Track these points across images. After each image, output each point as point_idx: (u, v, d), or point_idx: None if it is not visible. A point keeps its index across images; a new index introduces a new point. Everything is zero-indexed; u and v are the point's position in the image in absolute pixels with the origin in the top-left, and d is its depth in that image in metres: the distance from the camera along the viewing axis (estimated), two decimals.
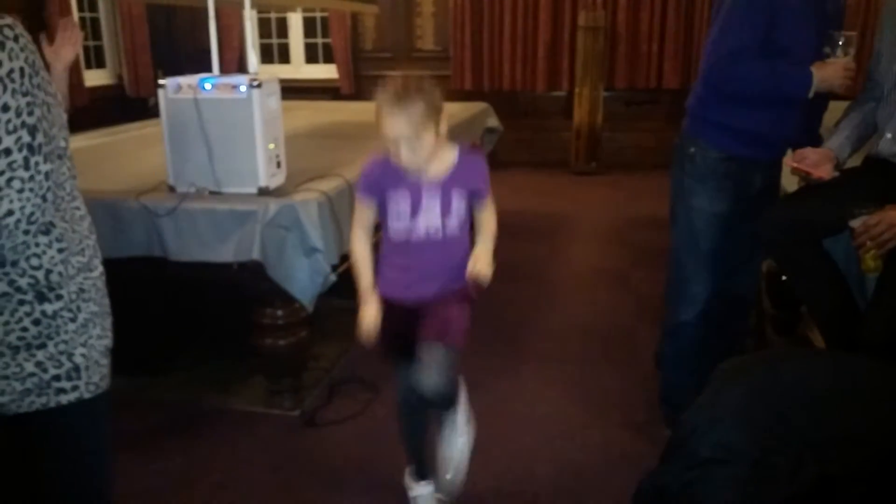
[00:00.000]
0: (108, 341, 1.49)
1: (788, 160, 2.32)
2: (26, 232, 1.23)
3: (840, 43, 2.19)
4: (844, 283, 2.22)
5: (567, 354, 3.44)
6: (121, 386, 2.98)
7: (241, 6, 2.84)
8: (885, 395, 1.33)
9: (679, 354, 2.61)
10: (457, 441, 2.18)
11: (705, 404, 1.37)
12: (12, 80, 1.20)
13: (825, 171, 2.21)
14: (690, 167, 2.43)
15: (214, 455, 2.66)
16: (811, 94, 2.21)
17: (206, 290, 3.02)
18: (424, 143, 1.90)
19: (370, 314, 2.01)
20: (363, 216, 2.09)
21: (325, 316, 3.53)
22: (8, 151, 1.18)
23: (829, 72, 2.18)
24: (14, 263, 1.29)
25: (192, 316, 3.34)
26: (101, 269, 1.49)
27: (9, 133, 1.19)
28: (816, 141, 2.40)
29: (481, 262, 1.96)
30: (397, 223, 2.03)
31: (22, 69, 1.21)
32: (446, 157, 2.03)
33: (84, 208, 1.47)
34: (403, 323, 2.09)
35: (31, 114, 1.22)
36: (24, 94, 1.21)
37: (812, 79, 2.19)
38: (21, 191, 1.20)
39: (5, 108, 1.19)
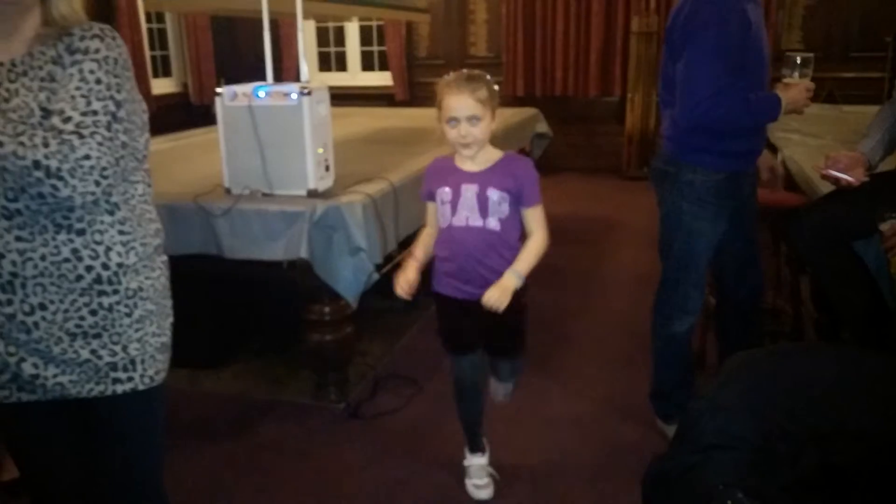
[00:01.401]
0: (165, 339, 1.58)
1: (818, 167, 2.35)
2: (97, 183, 1.32)
3: (798, 63, 2.23)
4: (875, 286, 2.24)
5: (607, 356, 3.49)
6: (180, 378, 3.19)
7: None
8: (889, 388, 1.37)
9: (672, 358, 2.71)
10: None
11: (711, 393, 1.43)
12: (107, 63, 1.37)
13: (856, 175, 2.23)
14: (690, 192, 2.45)
15: (264, 444, 2.80)
16: (781, 117, 2.30)
17: (258, 287, 3.17)
18: (481, 125, 2.03)
19: (407, 272, 2.20)
20: (428, 215, 2.25)
21: (371, 315, 3.66)
22: (95, 112, 1.34)
23: (794, 94, 2.27)
24: (81, 233, 1.40)
25: (246, 312, 3.50)
26: (162, 270, 1.58)
27: (98, 100, 1.35)
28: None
29: (495, 290, 2.04)
30: (441, 216, 2.16)
31: (116, 59, 1.39)
32: (491, 154, 2.13)
33: (154, 214, 1.58)
34: (458, 320, 2.24)
35: (118, 91, 1.38)
36: (116, 77, 1.38)
37: (781, 103, 2.27)
38: (101, 144, 1.33)
39: (98, 81, 1.36)
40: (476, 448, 2.49)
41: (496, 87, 2.08)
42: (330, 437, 2.84)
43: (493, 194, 2.08)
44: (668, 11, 7.11)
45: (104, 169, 1.33)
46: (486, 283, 2.11)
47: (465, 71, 2.07)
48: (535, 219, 2.14)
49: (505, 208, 2.10)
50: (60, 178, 1.28)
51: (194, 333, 2.68)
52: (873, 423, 1.33)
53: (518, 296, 2.14)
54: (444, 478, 2.55)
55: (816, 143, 2.64)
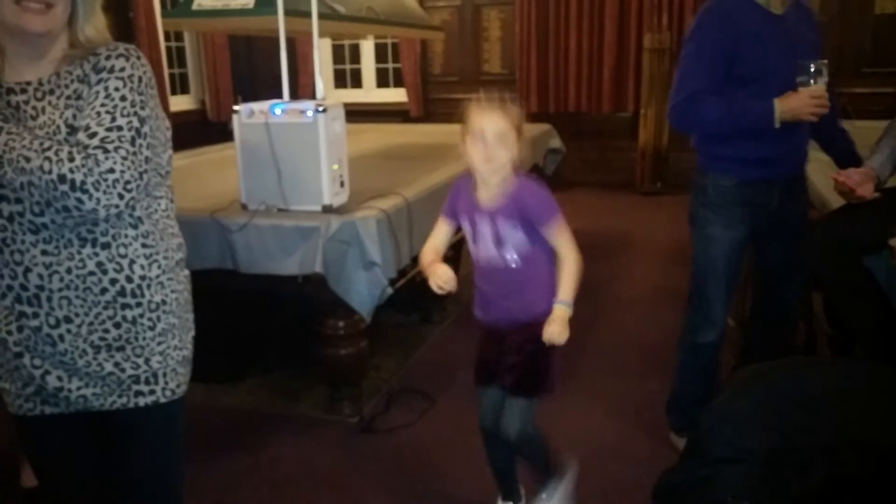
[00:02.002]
0: (186, 352, 1.60)
1: (834, 173, 2.36)
2: (121, 196, 1.35)
3: (812, 70, 2.23)
4: (885, 300, 2.24)
5: (620, 370, 3.50)
6: (195, 392, 3.20)
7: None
8: None
9: (696, 371, 2.71)
10: None
11: (720, 407, 1.44)
12: (131, 81, 1.41)
13: (867, 190, 2.24)
14: (703, 197, 2.54)
15: (278, 456, 2.83)
16: (777, 124, 2.29)
17: (273, 301, 3.20)
18: (506, 149, 1.96)
19: (440, 268, 2.03)
20: (436, 232, 2.17)
21: (385, 329, 3.70)
22: (120, 128, 1.37)
23: (793, 102, 2.26)
24: (106, 246, 1.43)
25: (261, 326, 3.53)
26: (185, 285, 1.60)
27: (123, 116, 1.38)
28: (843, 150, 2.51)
29: (554, 325, 1.99)
30: (469, 247, 2.14)
31: (140, 77, 1.43)
32: (504, 187, 2.02)
33: (177, 229, 1.60)
34: (488, 349, 2.18)
35: (143, 108, 1.41)
36: (140, 94, 1.42)
37: (773, 110, 2.27)
38: (125, 158, 1.35)
39: (123, 98, 1.39)
40: (508, 497, 2.34)
41: (523, 122, 2.03)
42: (344, 450, 2.86)
43: (504, 227, 2.01)
44: (680, 28, 7.25)
45: (128, 182, 1.35)
46: (516, 319, 2.08)
47: (496, 96, 2.01)
48: (557, 237, 2.04)
49: (519, 238, 2.01)
50: (85, 192, 1.31)
51: (210, 347, 2.72)
52: (882, 436, 1.34)
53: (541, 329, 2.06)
54: (458, 492, 2.57)
55: (829, 158, 2.64)
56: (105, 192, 1.32)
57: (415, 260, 3.15)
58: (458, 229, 2.20)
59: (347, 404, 3.10)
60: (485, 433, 2.27)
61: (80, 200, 1.31)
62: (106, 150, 1.33)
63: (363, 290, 2.78)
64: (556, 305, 2.03)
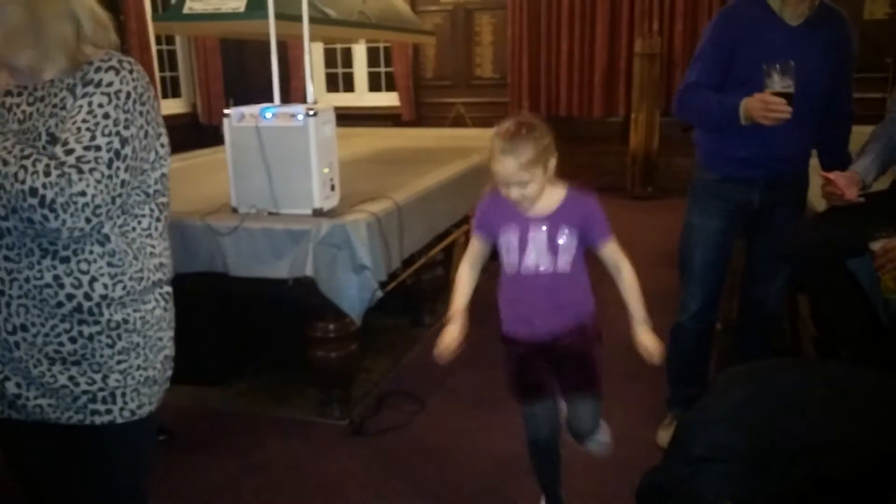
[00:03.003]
0: (153, 373, 1.53)
1: (824, 173, 2.38)
2: (88, 220, 1.31)
3: (777, 70, 2.25)
4: (868, 302, 2.27)
5: (609, 373, 3.49)
6: (185, 395, 3.23)
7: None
8: (878, 402, 1.40)
9: (670, 347, 2.76)
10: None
11: (703, 407, 1.46)
12: (118, 98, 1.37)
13: (852, 194, 2.27)
14: (691, 188, 2.68)
15: (268, 460, 2.83)
16: (743, 122, 2.36)
17: (264, 304, 3.21)
18: (532, 186, 1.94)
19: (451, 332, 2.07)
20: (471, 250, 2.17)
21: (376, 333, 3.71)
22: (98, 148, 1.33)
23: (749, 104, 2.31)
24: (65, 260, 1.39)
25: (251, 329, 3.54)
26: (157, 304, 1.53)
27: (103, 135, 1.34)
28: (834, 156, 2.54)
29: (653, 344, 2.10)
30: (507, 258, 2.08)
31: (129, 93, 1.39)
32: (554, 194, 2.04)
33: (160, 249, 1.54)
34: (531, 361, 2.16)
35: (126, 128, 1.37)
36: (125, 112, 1.38)
37: (738, 110, 2.35)
38: (99, 181, 1.31)
39: (106, 116, 1.35)
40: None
41: (548, 139, 1.97)
42: (334, 453, 2.87)
43: (563, 237, 2.02)
44: (670, 33, 7.26)
45: (98, 207, 1.32)
46: (560, 326, 2.10)
47: (512, 126, 1.93)
48: (614, 253, 2.11)
49: (573, 246, 2.04)
50: (53, 210, 1.27)
51: (200, 350, 2.73)
52: (862, 436, 1.36)
53: (590, 326, 2.18)
54: (448, 495, 2.58)
55: (815, 163, 2.67)
56: (72, 215, 1.29)
57: (405, 263, 3.18)
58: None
59: (337, 407, 3.11)
60: (538, 447, 2.26)
61: (45, 218, 1.28)
62: (80, 171, 1.30)
63: (353, 294, 2.79)
64: (637, 327, 2.12)
